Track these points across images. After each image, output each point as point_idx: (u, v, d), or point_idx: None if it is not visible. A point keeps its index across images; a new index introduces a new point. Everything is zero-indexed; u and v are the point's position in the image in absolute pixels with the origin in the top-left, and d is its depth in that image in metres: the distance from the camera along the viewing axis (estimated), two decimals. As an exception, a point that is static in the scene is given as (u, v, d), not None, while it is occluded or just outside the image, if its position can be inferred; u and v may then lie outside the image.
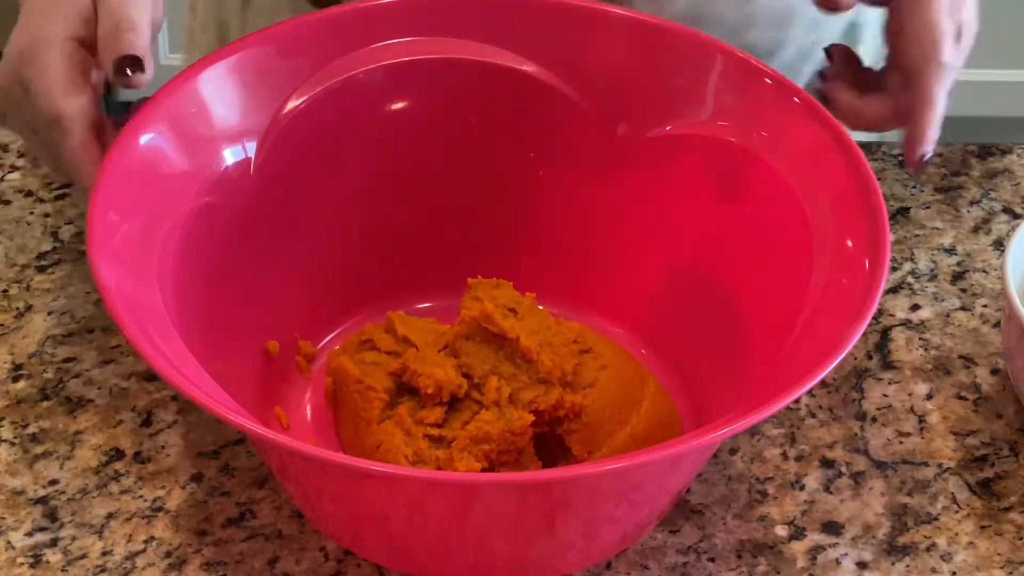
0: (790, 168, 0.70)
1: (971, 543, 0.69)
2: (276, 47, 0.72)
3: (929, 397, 0.76)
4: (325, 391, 0.71)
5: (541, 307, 0.72)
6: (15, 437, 0.72)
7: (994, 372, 0.77)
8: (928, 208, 0.86)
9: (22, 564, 0.67)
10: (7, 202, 0.84)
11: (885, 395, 0.76)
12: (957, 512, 0.70)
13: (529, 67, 0.75)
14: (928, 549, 0.69)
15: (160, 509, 0.69)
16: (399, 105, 0.75)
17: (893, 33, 0.72)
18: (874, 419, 0.74)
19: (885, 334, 0.79)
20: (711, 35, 0.77)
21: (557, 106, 0.75)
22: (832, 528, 0.69)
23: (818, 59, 0.88)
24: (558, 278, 0.77)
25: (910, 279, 0.82)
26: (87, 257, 0.62)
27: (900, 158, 0.89)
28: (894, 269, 0.82)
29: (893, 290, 0.81)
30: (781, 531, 0.69)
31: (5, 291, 0.79)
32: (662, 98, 0.74)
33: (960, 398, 0.76)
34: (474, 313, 0.69)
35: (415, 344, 0.70)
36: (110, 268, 0.62)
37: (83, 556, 0.67)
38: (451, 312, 0.72)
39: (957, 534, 0.69)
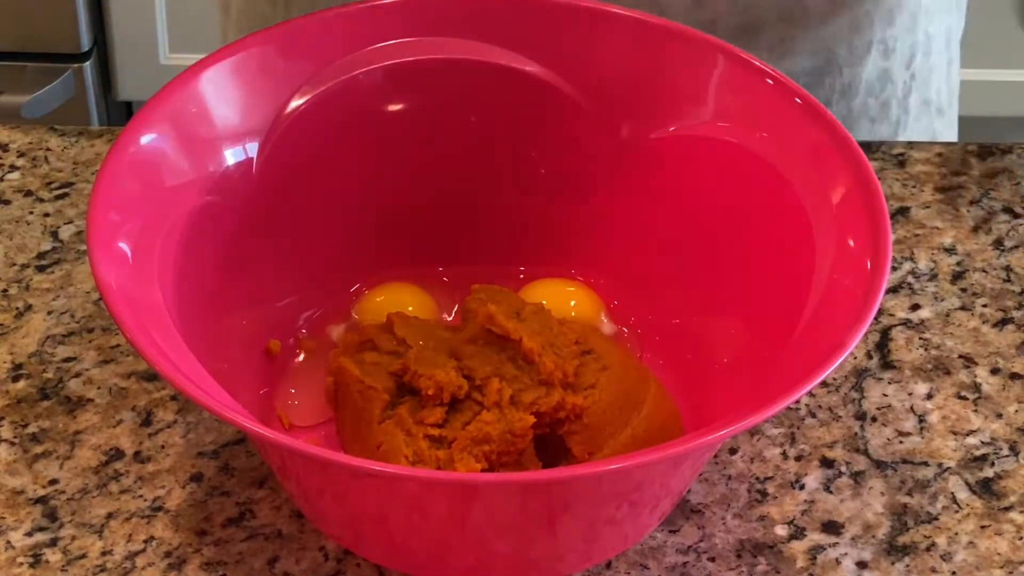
0: (791, 168, 0.70)
1: (971, 543, 0.69)
2: (277, 47, 0.72)
3: (929, 397, 0.76)
4: (326, 391, 0.71)
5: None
6: (15, 437, 0.72)
7: (994, 372, 0.77)
8: (928, 208, 0.86)
9: (22, 564, 0.67)
10: (7, 202, 0.84)
11: (885, 395, 0.76)
12: (957, 512, 0.70)
13: (530, 67, 0.75)
14: (928, 549, 0.69)
15: (160, 509, 0.69)
16: (399, 105, 0.75)
17: None
18: (874, 419, 0.74)
19: (885, 334, 0.79)
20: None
21: (559, 107, 0.75)
22: (832, 528, 0.69)
23: (885, 45, 0.88)
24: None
25: (910, 279, 0.82)
26: (87, 257, 0.62)
27: (900, 158, 0.89)
28: (894, 269, 0.82)
29: (893, 290, 0.81)
30: (781, 531, 0.69)
31: (5, 291, 0.79)
32: (664, 99, 0.74)
33: (960, 398, 0.76)
34: (478, 315, 0.69)
35: (415, 344, 0.70)
36: (110, 268, 0.62)
37: (83, 556, 0.67)
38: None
39: (957, 534, 0.69)
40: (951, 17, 0.96)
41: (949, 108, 0.99)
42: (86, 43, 1.80)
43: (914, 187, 0.88)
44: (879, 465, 0.72)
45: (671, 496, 0.67)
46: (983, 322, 0.80)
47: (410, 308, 0.74)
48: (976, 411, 0.75)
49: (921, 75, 0.95)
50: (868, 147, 0.89)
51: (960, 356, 0.78)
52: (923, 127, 0.97)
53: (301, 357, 0.74)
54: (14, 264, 0.81)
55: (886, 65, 0.93)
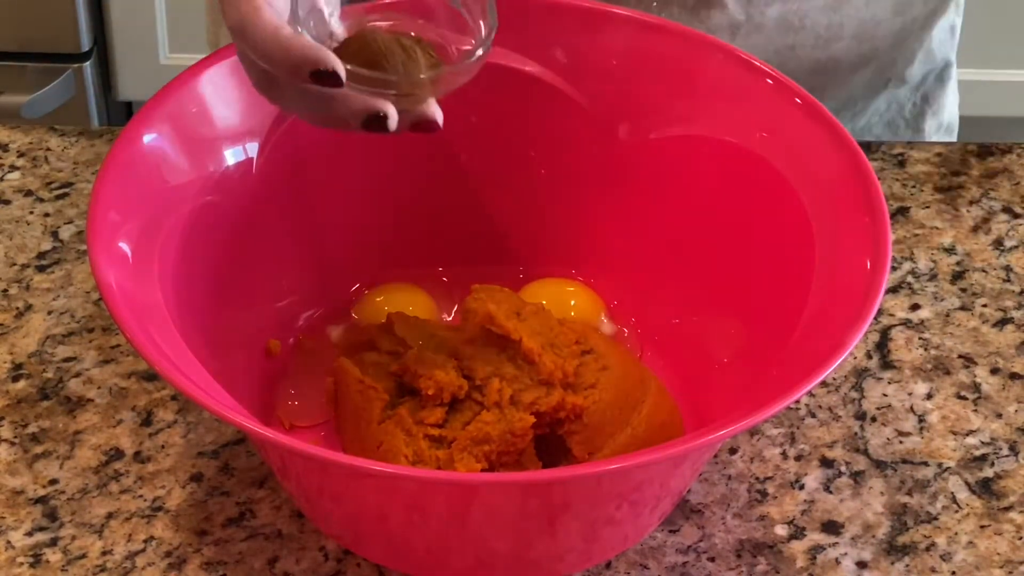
0: (791, 168, 0.70)
1: (971, 543, 0.69)
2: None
3: (929, 397, 0.76)
4: (326, 391, 0.71)
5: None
6: (15, 437, 0.72)
7: (994, 372, 0.77)
8: (928, 208, 0.86)
9: (22, 564, 0.67)
10: (7, 202, 0.84)
11: (885, 395, 0.76)
12: (957, 512, 0.70)
13: (531, 67, 0.75)
14: (928, 549, 0.69)
15: (160, 509, 0.69)
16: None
17: None
18: (874, 419, 0.74)
19: (885, 334, 0.79)
20: (801, 42, 0.77)
21: (559, 107, 0.75)
22: (832, 528, 0.69)
23: (901, 79, 0.90)
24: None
25: (910, 279, 0.82)
26: (87, 257, 0.62)
27: (900, 158, 0.89)
28: (894, 269, 0.82)
29: (893, 290, 0.81)
30: (781, 531, 0.69)
31: (5, 291, 0.79)
32: (664, 99, 0.74)
33: (960, 398, 0.76)
34: (478, 315, 0.69)
35: (415, 344, 0.70)
36: (110, 268, 0.62)
37: (83, 556, 0.67)
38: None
39: (957, 534, 0.69)
40: (956, 36, 0.96)
41: (953, 124, 1.00)
42: (86, 43, 1.80)
43: (914, 187, 0.88)
44: (879, 465, 0.72)
45: (671, 496, 0.67)
46: (983, 322, 0.80)
47: (410, 308, 0.74)
48: (976, 411, 0.75)
49: (933, 95, 0.96)
50: (868, 147, 0.89)
51: (960, 356, 0.78)
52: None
53: (301, 357, 0.74)
54: (14, 264, 0.81)
55: (896, 92, 0.94)
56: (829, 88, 0.90)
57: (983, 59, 1.86)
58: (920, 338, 0.79)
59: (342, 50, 0.62)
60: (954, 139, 1.00)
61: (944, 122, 0.98)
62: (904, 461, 0.73)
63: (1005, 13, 1.87)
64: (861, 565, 0.68)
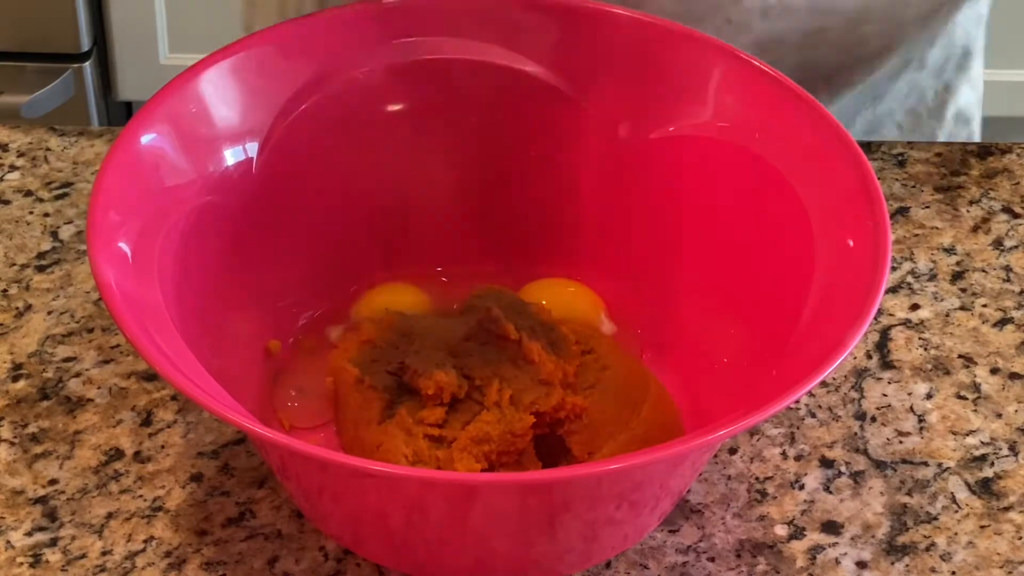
0: (791, 168, 0.70)
1: (971, 543, 0.69)
2: (278, 47, 0.72)
3: (929, 397, 0.76)
4: (326, 391, 0.71)
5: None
6: (15, 437, 0.72)
7: (994, 372, 0.77)
8: (928, 208, 0.86)
9: (21, 564, 0.67)
10: (7, 202, 0.84)
11: (885, 395, 0.76)
12: (957, 512, 0.70)
13: (530, 67, 0.75)
14: (928, 549, 0.69)
15: (160, 509, 0.69)
16: (399, 105, 0.75)
17: None
18: (874, 419, 0.74)
19: (885, 334, 0.79)
20: (831, 25, 0.76)
21: (558, 107, 0.75)
22: (832, 528, 0.69)
23: (922, 62, 0.90)
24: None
25: (909, 279, 0.82)
26: (87, 257, 0.62)
27: (900, 158, 0.89)
28: (893, 269, 0.82)
29: (893, 290, 0.81)
30: (781, 531, 0.69)
31: (5, 291, 0.79)
32: (664, 99, 0.74)
33: (960, 398, 0.76)
34: (478, 315, 0.69)
35: (415, 344, 0.70)
36: (110, 268, 0.62)
37: (83, 556, 0.67)
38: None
39: (956, 534, 0.69)
40: (982, 27, 0.96)
41: (974, 117, 0.99)
42: (86, 43, 1.80)
43: (914, 187, 0.88)
44: (879, 465, 0.72)
45: (671, 496, 0.67)
46: (983, 322, 0.80)
47: (410, 308, 0.74)
48: (976, 411, 0.75)
49: (953, 85, 0.96)
50: (868, 147, 0.89)
51: (960, 356, 0.78)
52: (949, 137, 0.98)
53: (301, 357, 0.74)
54: (14, 264, 0.81)
55: (916, 76, 0.94)
56: (857, 72, 0.89)
57: (982, 59, 1.86)
58: (920, 338, 0.79)
59: None
60: (972, 128, 1.00)
61: (960, 108, 0.97)
62: (904, 461, 0.73)
63: (1004, 13, 1.87)
64: (861, 565, 0.68)
